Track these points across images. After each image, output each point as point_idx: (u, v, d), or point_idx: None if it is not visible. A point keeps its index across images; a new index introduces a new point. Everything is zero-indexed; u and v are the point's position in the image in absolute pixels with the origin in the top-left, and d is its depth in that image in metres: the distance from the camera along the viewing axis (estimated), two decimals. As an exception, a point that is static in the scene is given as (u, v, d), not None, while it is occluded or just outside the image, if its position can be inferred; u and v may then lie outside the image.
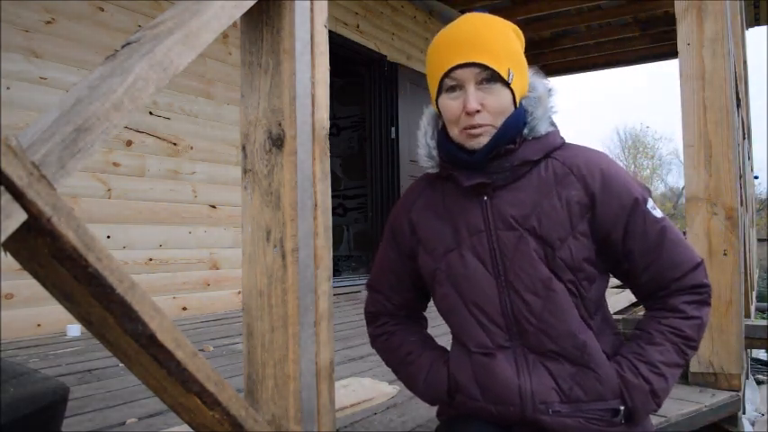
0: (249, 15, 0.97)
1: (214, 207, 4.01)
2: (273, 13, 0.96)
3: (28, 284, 2.84)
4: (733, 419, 1.97)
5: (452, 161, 1.12)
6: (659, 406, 1.09)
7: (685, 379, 2.03)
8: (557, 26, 7.12)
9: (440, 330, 1.31)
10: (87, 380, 2.15)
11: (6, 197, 0.54)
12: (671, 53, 7.43)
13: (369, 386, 1.99)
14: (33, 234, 0.58)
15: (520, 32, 1.15)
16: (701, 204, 2.00)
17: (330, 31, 1.06)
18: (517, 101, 1.09)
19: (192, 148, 3.86)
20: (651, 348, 1.08)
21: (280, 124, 0.95)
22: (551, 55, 8.00)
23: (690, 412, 1.78)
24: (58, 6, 3.12)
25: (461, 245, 1.12)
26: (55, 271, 0.62)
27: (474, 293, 1.11)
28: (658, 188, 29.79)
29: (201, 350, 2.64)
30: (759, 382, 5.45)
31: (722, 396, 1.92)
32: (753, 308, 5.06)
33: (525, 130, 1.10)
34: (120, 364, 2.26)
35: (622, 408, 1.07)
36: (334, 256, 1.09)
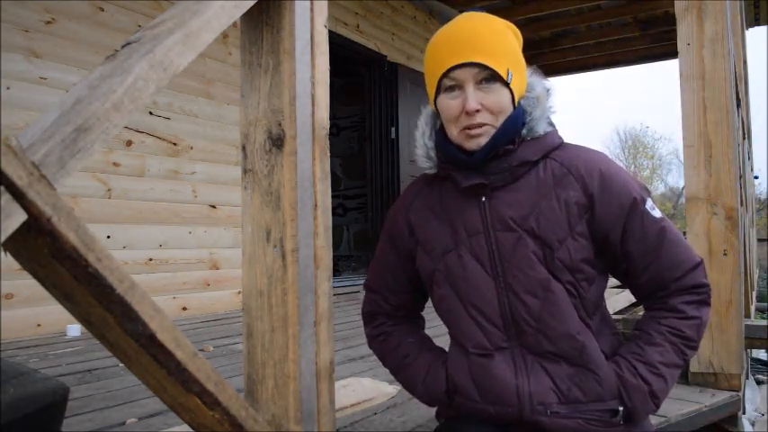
0: (249, 15, 0.97)
1: (214, 207, 4.01)
2: (273, 13, 0.96)
3: (28, 284, 2.84)
4: (733, 419, 1.97)
5: (451, 162, 1.12)
6: (658, 407, 1.09)
7: (685, 379, 2.03)
8: (557, 26, 7.12)
9: (439, 331, 1.31)
10: (87, 380, 2.15)
11: (6, 197, 0.54)
12: (671, 53, 7.43)
13: (369, 386, 1.99)
14: (33, 234, 0.58)
15: (518, 32, 1.15)
16: (701, 204, 2.00)
17: (330, 31, 1.06)
18: (516, 101, 1.09)
19: (192, 148, 3.86)
20: (650, 349, 1.08)
21: (280, 124, 0.95)
22: (551, 55, 8.00)
23: (690, 412, 1.78)
24: (57, 6, 3.12)
25: (460, 246, 1.12)
26: (55, 271, 0.62)
27: (472, 294, 1.11)
28: (658, 188, 29.79)
29: (201, 350, 2.64)
30: (759, 382, 5.45)
31: (722, 396, 1.92)
32: (753, 308, 5.06)
33: (524, 131, 1.10)
34: (120, 364, 2.26)
35: (621, 408, 1.07)
36: (334, 256, 1.09)
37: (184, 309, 3.77)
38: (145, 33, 0.78)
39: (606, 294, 1.18)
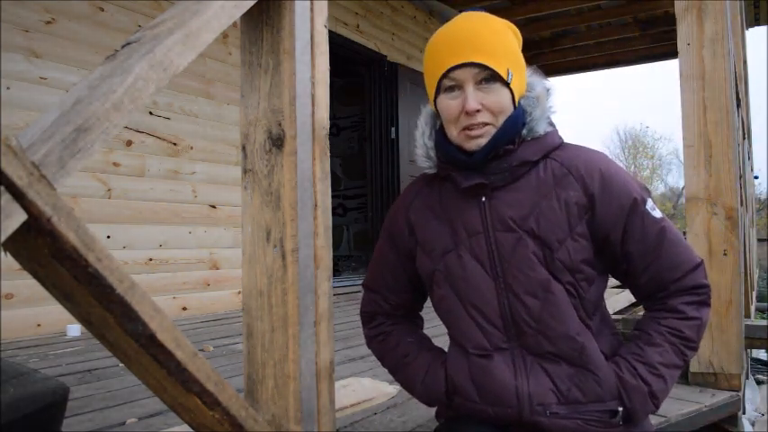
0: (249, 15, 0.97)
1: (214, 207, 4.01)
2: (273, 13, 0.96)
3: (28, 284, 2.84)
4: (733, 419, 1.97)
5: (451, 162, 1.12)
6: (658, 407, 1.09)
7: (685, 379, 2.03)
8: (556, 26, 7.11)
9: (438, 331, 1.31)
10: (87, 380, 2.15)
11: (6, 197, 0.54)
12: (671, 53, 7.43)
13: (369, 386, 1.99)
14: (33, 234, 0.58)
15: (517, 31, 1.14)
16: (701, 204, 2.00)
17: (330, 31, 1.06)
18: (516, 100, 1.09)
19: (192, 148, 3.86)
20: (650, 349, 1.08)
21: (280, 124, 0.95)
22: (551, 55, 7.99)
23: (690, 412, 1.78)
24: (57, 6, 3.12)
25: (460, 246, 1.12)
26: (55, 271, 0.62)
27: (472, 295, 1.11)
28: (658, 188, 29.80)
29: (201, 350, 2.64)
30: (759, 382, 5.45)
31: (722, 396, 1.92)
32: (753, 308, 5.06)
33: (524, 131, 1.10)
34: (120, 364, 2.26)
35: (621, 409, 1.06)
36: (334, 256, 1.09)
37: (184, 309, 3.77)
38: (145, 33, 0.78)
39: (606, 294, 1.18)
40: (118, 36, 3.38)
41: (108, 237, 3.32)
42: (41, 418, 0.86)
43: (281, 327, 0.94)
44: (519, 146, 1.09)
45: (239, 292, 4.10)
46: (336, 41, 5.07)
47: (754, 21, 7.49)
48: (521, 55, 1.12)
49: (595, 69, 8.82)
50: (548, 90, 1.14)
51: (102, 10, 3.35)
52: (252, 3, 0.90)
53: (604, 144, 31.57)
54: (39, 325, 3.00)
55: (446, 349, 1.23)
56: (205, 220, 3.94)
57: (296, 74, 0.95)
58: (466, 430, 1.13)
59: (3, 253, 0.58)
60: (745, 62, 6.29)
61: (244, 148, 1.00)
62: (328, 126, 1.03)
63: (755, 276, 7.46)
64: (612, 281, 1.19)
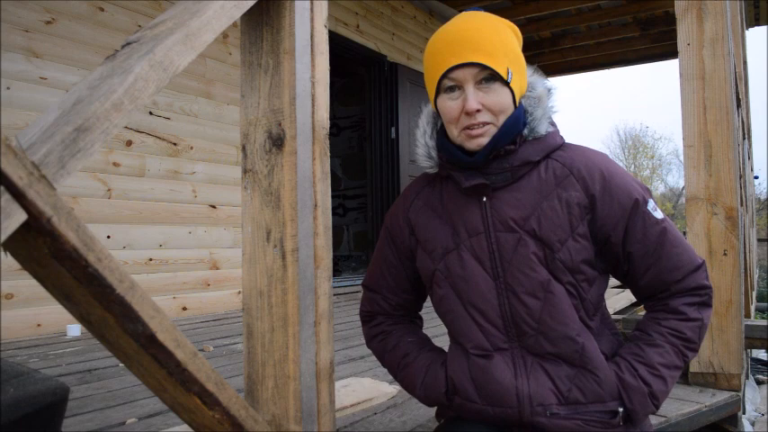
0: (249, 15, 0.97)
1: (214, 207, 4.01)
2: (273, 13, 0.96)
3: (28, 284, 2.85)
4: (733, 419, 1.97)
5: (452, 162, 1.12)
6: (658, 408, 1.09)
7: (685, 379, 2.03)
8: (557, 26, 7.12)
9: (437, 331, 1.31)
10: (87, 380, 2.15)
11: (6, 197, 0.54)
12: (671, 53, 7.44)
13: (369, 386, 1.99)
14: (33, 234, 0.58)
15: (517, 31, 1.14)
16: (701, 204, 2.00)
17: (330, 31, 1.06)
18: (517, 100, 1.09)
19: (192, 148, 3.86)
20: (651, 350, 1.07)
21: (280, 124, 0.95)
22: (551, 55, 8.00)
23: (690, 412, 1.78)
24: (58, 6, 3.12)
25: (460, 246, 1.12)
26: (55, 271, 0.62)
27: (472, 295, 1.11)
28: (658, 188, 29.80)
29: (201, 350, 2.64)
30: (759, 382, 5.45)
31: (722, 396, 1.92)
32: (753, 308, 5.06)
33: (525, 131, 1.09)
34: (120, 364, 2.26)
35: (621, 409, 1.06)
36: (334, 256, 1.09)
37: (184, 309, 3.77)
38: (145, 33, 0.78)
39: (606, 294, 1.18)
40: (118, 36, 3.38)
41: (108, 237, 3.32)
42: (41, 418, 0.86)
43: (281, 327, 0.94)
44: (520, 146, 1.09)
45: (239, 292, 4.10)
46: (336, 41, 5.07)
47: (754, 21, 7.49)
48: (521, 54, 1.11)
49: (595, 69, 8.82)
50: (549, 90, 1.13)
51: (102, 10, 3.35)
52: (252, 3, 0.90)
53: (604, 144, 31.60)
54: (39, 325, 3.00)
55: (446, 349, 1.23)
56: (205, 220, 3.94)
57: (296, 74, 0.95)
58: (466, 430, 1.13)
59: (3, 253, 0.58)
60: (745, 62, 6.29)
61: (244, 148, 1.00)
62: (328, 126, 1.03)
63: (755, 276, 7.46)
64: (613, 281, 1.19)
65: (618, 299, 4.16)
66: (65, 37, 3.16)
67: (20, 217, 0.55)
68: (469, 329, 1.12)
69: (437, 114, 1.16)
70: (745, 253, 3.18)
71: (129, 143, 3.47)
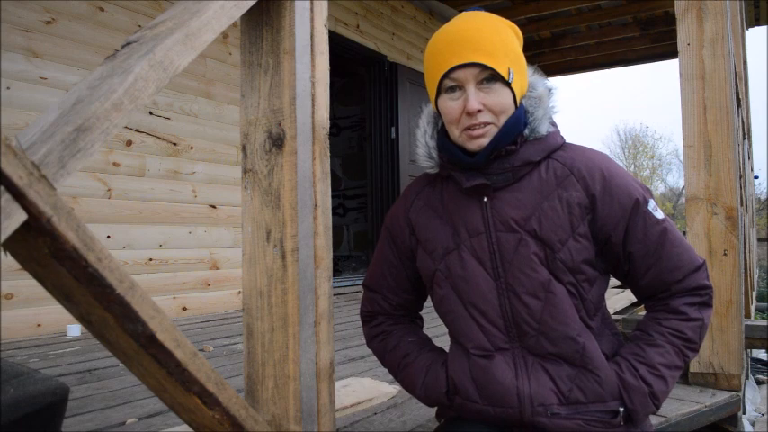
0: (249, 15, 0.97)
1: (214, 207, 4.01)
2: (273, 13, 0.96)
3: (28, 284, 2.84)
4: (733, 419, 1.97)
5: (453, 162, 1.12)
6: (658, 407, 1.09)
7: (685, 379, 2.03)
8: (557, 26, 7.12)
9: (438, 331, 1.31)
10: (87, 380, 2.15)
11: (6, 197, 0.54)
12: (671, 53, 7.44)
13: (369, 386, 1.99)
14: (33, 234, 0.58)
15: (518, 30, 1.14)
16: (701, 204, 2.00)
17: (330, 31, 1.06)
18: (518, 100, 1.09)
19: (192, 148, 3.86)
20: (651, 350, 1.07)
21: (280, 124, 0.95)
22: (551, 55, 8.00)
23: (690, 412, 1.78)
24: (58, 6, 3.12)
25: (461, 246, 1.12)
26: (55, 271, 0.62)
27: (473, 295, 1.10)
28: (658, 188, 29.79)
29: (201, 350, 2.64)
30: (759, 382, 5.45)
31: (722, 396, 1.92)
32: (753, 308, 5.07)
33: (526, 131, 1.09)
34: (120, 364, 2.26)
35: (622, 409, 1.06)
36: (334, 256, 1.09)
37: (184, 309, 3.77)
38: (145, 33, 0.78)
39: (606, 294, 1.18)
40: (118, 36, 3.38)
41: (108, 237, 3.32)
42: (41, 418, 0.86)
43: (281, 327, 0.94)
44: (521, 146, 1.09)
45: (239, 292, 4.10)
46: (336, 41, 5.07)
47: (754, 21, 7.49)
48: (522, 54, 1.11)
49: (595, 69, 8.82)
50: (550, 90, 1.13)
51: (102, 10, 3.35)
52: (252, 3, 0.90)
53: (604, 144, 31.61)
54: (39, 325, 3.00)
55: (446, 349, 1.23)
56: (205, 220, 3.94)
57: (296, 74, 0.95)
58: (467, 430, 1.13)
59: (3, 253, 0.58)
60: (745, 62, 6.29)
61: (244, 148, 1.00)
62: (328, 126, 1.03)
63: (755, 276, 7.46)
64: (613, 281, 1.19)
65: (618, 299, 4.16)
66: (65, 37, 3.16)
67: (20, 217, 0.55)
68: (470, 329, 1.12)
69: (437, 114, 1.16)
70: (745, 253, 3.18)
71: (129, 143, 3.47)
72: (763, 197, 23.14)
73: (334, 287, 4.64)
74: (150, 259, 3.58)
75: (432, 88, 1.10)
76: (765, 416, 4.20)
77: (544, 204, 1.07)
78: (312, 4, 0.99)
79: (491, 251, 1.09)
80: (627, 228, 1.07)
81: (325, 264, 1.01)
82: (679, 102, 2.07)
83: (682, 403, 1.84)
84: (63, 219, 0.58)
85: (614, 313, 3.48)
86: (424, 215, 1.18)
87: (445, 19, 6.67)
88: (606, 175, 1.08)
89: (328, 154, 1.03)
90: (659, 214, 1.09)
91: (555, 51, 7.96)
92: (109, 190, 3.35)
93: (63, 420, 0.94)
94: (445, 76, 1.05)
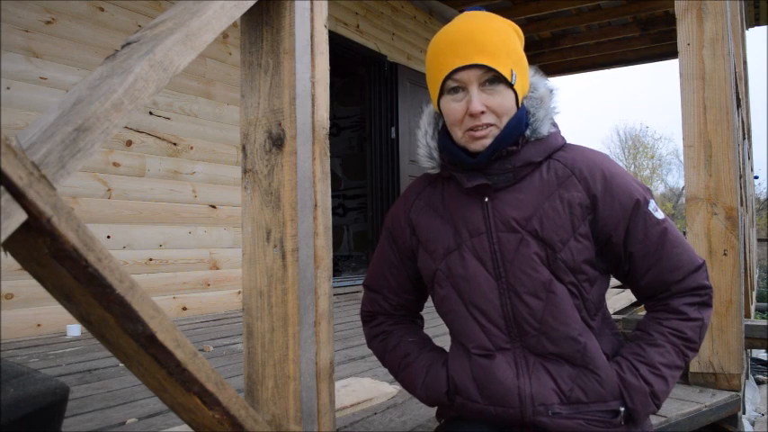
0: (249, 15, 0.97)
1: (214, 207, 4.01)
2: (273, 13, 0.96)
3: (28, 284, 2.84)
4: (733, 419, 1.97)
5: (454, 162, 1.12)
6: (659, 407, 1.09)
7: (685, 379, 2.03)
8: (557, 26, 7.12)
9: (438, 331, 1.31)
10: (87, 380, 2.15)
11: (6, 197, 0.54)
12: (671, 53, 7.44)
13: (369, 386, 1.99)
14: (33, 234, 0.58)
15: (520, 31, 1.14)
16: (701, 204, 2.00)
17: (330, 31, 1.06)
18: (519, 101, 1.09)
19: (192, 148, 3.86)
20: (652, 350, 1.08)
21: (280, 124, 0.95)
22: (551, 55, 8.00)
23: (690, 412, 1.78)
24: (58, 6, 3.12)
25: (462, 246, 1.12)
26: (55, 271, 0.62)
27: (474, 295, 1.11)
28: (658, 188, 29.79)
29: (201, 350, 2.64)
30: (759, 382, 5.45)
31: (722, 396, 1.92)
32: (753, 308, 5.07)
33: (527, 132, 1.09)
34: (120, 364, 2.26)
35: (622, 409, 1.06)
36: (334, 256, 1.09)
37: (184, 309, 3.77)
38: (145, 33, 0.78)
39: (606, 294, 1.18)
40: (118, 36, 3.38)
41: (108, 237, 3.32)
42: (41, 419, 0.86)
43: (281, 327, 0.94)
44: (522, 147, 1.09)
45: (239, 292, 4.10)
46: (336, 41, 5.07)
47: (754, 21, 7.49)
48: (523, 55, 1.11)
49: (595, 69, 8.82)
50: (551, 91, 1.13)
51: (102, 10, 3.35)
52: (252, 3, 0.90)
53: (604, 144, 31.59)
54: (39, 325, 3.00)
55: (447, 349, 1.23)
56: (205, 220, 3.94)
57: (296, 74, 0.95)
58: (467, 430, 1.13)
59: (3, 253, 0.58)
60: (745, 62, 6.29)
61: (244, 148, 1.00)
62: (328, 126, 1.03)
63: (755, 276, 7.46)
64: (613, 281, 1.19)
65: (618, 299, 4.16)
66: (65, 37, 3.16)
67: (20, 217, 0.55)
68: (471, 329, 1.12)
69: (438, 115, 1.16)
70: (745, 253, 3.18)
71: (129, 143, 3.47)
72: (763, 197, 23.14)
73: (334, 287, 4.64)
74: (150, 259, 3.58)
75: (434, 89, 1.10)
76: (765, 416, 4.20)
77: (545, 204, 1.07)
78: (312, 4, 0.99)
79: (492, 251, 1.09)
80: (628, 228, 1.07)
81: (325, 264, 1.01)
82: (679, 102, 2.07)
83: (682, 403, 1.84)
84: (63, 219, 0.58)
85: (614, 313, 3.48)
86: (424, 215, 1.18)
87: (445, 19, 6.68)
88: (607, 176, 1.08)
89: (328, 154, 1.03)
90: (659, 215, 1.09)
91: (555, 51, 7.96)
92: (109, 190, 3.35)
93: (63, 420, 0.94)
94: (448, 77, 1.05)
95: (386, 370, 1.30)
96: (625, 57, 8.20)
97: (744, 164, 5.01)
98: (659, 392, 1.07)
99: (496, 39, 1.05)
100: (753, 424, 3.86)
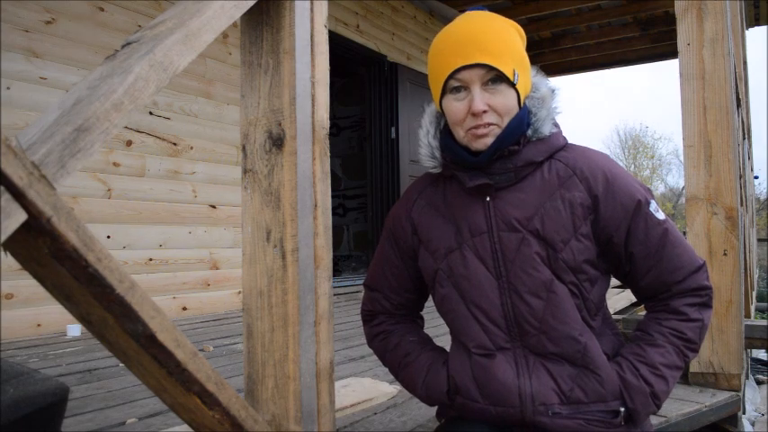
0: (249, 15, 0.97)
1: (214, 207, 4.01)
2: (273, 13, 0.96)
3: (28, 284, 2.84)
4: (733, 419, 1.97)
5: (456, 162, 1.12)
6: (659, 407, 1.10)
7: (685, 379, 2.03)
8: (557, 26, 7.12)
9: (439, 330, 1.31)
10: (87, 380, 2.15)
11: (6, 197, 0.54)
12: (671, 53, 7.44)
13: (369, 386, 1.99)
14: (33, 234, 0.58)
15: (522, 31, 1.14)
16: (701, 204, 2.00)
17: (330, 31, 1.06)
18: (521, 101, 1.09)
19: (191, 148, 3.86)
20: (652, 350, 1.08)
21: (280, 124, 0.95)
22: (551, 55, 8.00)
23: (690, 412, 1.78)
24: (58, 6, 3.12)
25: (463, 245, 1.12)
26: (55, 271, 0.62)
27: (475, 294, 1.11)
28: (658, 188, 29.77)
29: (201, 350, 2.64)
30: (759, 382, 5.45)
31: (722, 396, 1.92)
32: (753, 308, 5.07)
33: (529, 131, 1.10)
34: (120, 364, 2.26)
35: (623, 409, 1.07)
36: (334, 256, 1.09)
37: (184, 309, 3.77)
38: (145, 33, 0.77)
39: (606, 294, 1.18)
40: (118, 36, 3.38)
41: (108, 237, 3.32)
42: (41, 418, 0.86)
43: (281, 327, 0.94)
44: (524, 146, 1.09)
45: (239, 292, 4.10)
46: (336, 41, 5.07)
47: (754, 21, 7.49)
48: (526, 55, 1.11)
49: (595, 69, 8.82)
50: (553, 91, 1.13)
51: (102, 10, 3.35)
52: (252, 3, 0.90)
53: (604, 144, 31.57)
54: (39, 325, 3.00)
55: (447, 349, 1.23)
56: (205, 220, 3.94)
57: (296, 74, 0.95)
58: (467, 430, 1.13)
59: (3, 253, 0.58)
60: (745, 62, 6.29)
61: (244, 148, 1.00)
62: (328, 126, 1.03)
63: (755, 276, 7.46)
64: (613, 281, 1.19)
65: (618, 299, 4.16)
66: (65, 37, 3.16)
67: (20, 217, 0.55)
68: (472, 329, 1.12)
69: (440, 114, 1.16)
70: (745, 253, 3.18)
71: (129, 143, 3.47)
72: (763, 197, 23.14)
73: (335, 287, 4.64)
74: (150, 259, 3.58)
75: (436, 88, 1.10)
76: (765, 416, 4.20)
77: (546, 204, 1.07)
78: (312, 4, 0.99)
79: (493, 250, 1.09)
80: (629, 228, 1.07)
81: (325, 264, 1.01)
82: (679, 102, 2.07)
83: (682, 403, 1.84)
84: (63, 219, 0.58)
85: (614, 313, 3.48)
86: (426, 214, 1.18)
87: (445, 19, 6.68)
88: (609, 176, 1.08)
89: (328, 154, 1.03)
90: (660, 215, 1.09)
91: (555, 51, 7.96)
92: (109, 190, 3.35)
93: (63, 420, 0.94)
94: (450, 76, 1.05)
95: (386, 370, 1.30)
96: (625, 57, 8.20)
97: (744, 164, 5.01)
98: (659, 393, 1.07)
99: (499, 38, 1.05)
100: (753, 424, 3.86)
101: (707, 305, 1.09)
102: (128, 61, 0.71)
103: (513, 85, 1.05)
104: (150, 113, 3.59)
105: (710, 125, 2.00)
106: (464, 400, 1.13)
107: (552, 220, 1.06)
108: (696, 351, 1.10)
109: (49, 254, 0.59)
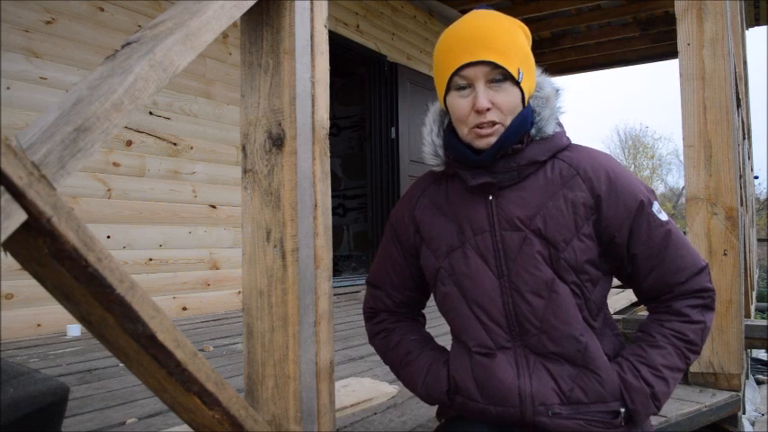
0: (249, 15, 0.97)
1: (214, 207, 4.01)
2: (273, 13, 0.96)
3: (28, 284, 2.84)
4: (733, 419, 1.97)
5: (459, 160, 1.12)
6: (659, 408, 1.09)
7: (685, 379, 2.03)
8: (557, 26, 7.12)
9: (439, 330, 1.31)
10: (87, 380, 2.15)
11: (6, 197, 0.54)
12: (671, 53, 7.44)
13: (369, 386, 1.99)
14: (33, 234, 0.58)
15: (527, 30, 1.14)
16: (701, 204, 2.00)
17: (330, 31, 1.06)
18: (525, 100, 1.09)
19: (192, 148, 3.86)
20: (653, 351, 1.08)
21: (280, 124, 0.95)
22: (551, 55, 8.00)
23: (690, 412, 1.78)
24: (58, 6, 3.12)
25: (465, 244, 1.12)
26: (55, 271, 0.62)
27: (476, 293, 1.11)
28: (658, 188, 29.75)
29: (201, 350, 2.64)
30: (759, 382, 5.45)
31: (722, 396, 1.92)
32: (753, 308, 5.07)
33: (532, 131, 1.10)
34: (120, 364, 2.26)
35: (623, 410, 1.06)
36: (334, 256, 1.09)
37: (184, 309, 3.77)
38: (145, 33, 0.77)
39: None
40: (118, 36, 3.38)
41: (108, 237, 3.32)
42: (41, 418, 0.86)
43: (281, 327, 0.94)
44: (527, 145, 1.09)
45: (239, 292, 4.10)
46: (336, 41, 5.07)
47: (754, 21, 7.49)
48: (531, 54, 1.11)
49: (595, 69, 8.82)
50: (557, 91, 1.14)
51: (102, 10, 3.35)
52: (252, 3, 0.90)
53: (604, 144, 31.56)
54: (39, 325, 3.00)
55: (448, 348, 1.23)
56: (205, 220, 3.94)
57: (296, 74, 0.95)
58: (467, 430, 1.13)
59: (3, 253, 0.58)
60: (745, 62, 6.29)
61: (244, 148, 1.00)
62: (328, 126, 1.03)
63: (755, 276, 7.46)
64: (613, 281, 1.19)
65: (618, 299, 4.16)
66: (65, 37, 3.16)
67: (20, 217, 0.55)
68: (473, 327, 1.12)
69: (444, 112, 1.16)
70: (745, 253, 3.18)
71: (129, 143, 3.47)
72: (763, 197, 23.14)
73: (335, 287, 4.64)
74: (150, 259, 3.58)
75: (441, 85, 1.10)
76: (765, 416, 4.20)
77: (549, 204, 1.07)
78: (312, 4, 0.99)
79: (495, 249, 1.09)
80: (631, 229, 1.07)
81: (325, 264, 1.01)
82: (679, 102, 2.07)
83: (682, 403, 1.84)
84: (63, 219, 0.58)
85: (614, 313, 3.48)
86: (428, 213, 1.18)
87: (445, 18, 6.68)
88: (612, 177, 1.08)
89: (328, 154, 1.03)
90: (663, 216, 1.09)
91: (555, 51, 7.96)
92: (109, 190, 3.35)
93: (63, 420, 0.94)
94: (455, 73, 1.05)
95: (386, 370, 1.30)
96: (625, 57, 8.20)
97: (744, 164, 5.01)
98: (660, 394, 1.06)
99: (504, 37, 1.05)
100: (753, 424, 3.86)
101: (709, 307, 1.09)
102: (128, 61, 0.71)
103: (517, 83, 1.05)
104: (150, 113, 3.59)
105: (710, 125, 2.00)
106: (464, 399, 1.13)
107: (554, 220, 1.06)
108: (698, 353, 1.09)
109: (49, 254, 0.59)
